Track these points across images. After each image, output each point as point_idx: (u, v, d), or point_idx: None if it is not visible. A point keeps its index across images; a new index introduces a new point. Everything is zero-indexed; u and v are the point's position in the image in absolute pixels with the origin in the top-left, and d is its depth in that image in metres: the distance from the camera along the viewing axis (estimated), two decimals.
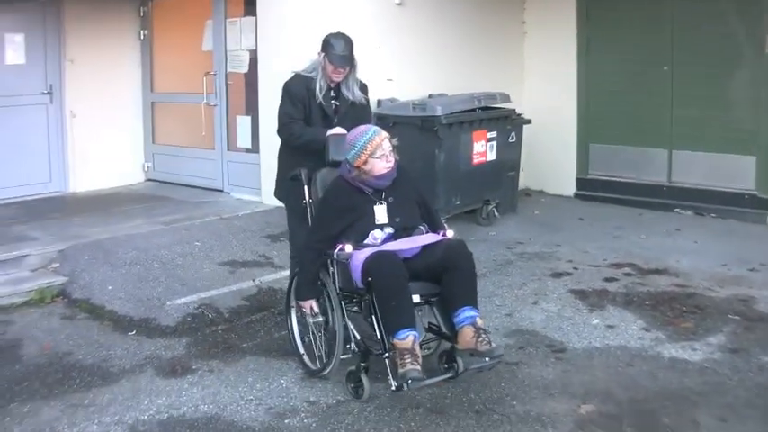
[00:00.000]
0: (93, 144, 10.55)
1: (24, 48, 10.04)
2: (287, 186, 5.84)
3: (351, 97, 5.94)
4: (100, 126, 10.61)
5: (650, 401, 4.97)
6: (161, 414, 4.97)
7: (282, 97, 5.91)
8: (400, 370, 4.55)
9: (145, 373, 5.62)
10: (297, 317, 5.57)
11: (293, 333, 5.60)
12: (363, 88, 6.09)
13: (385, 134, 5.23)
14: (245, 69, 9.91)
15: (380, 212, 5.15)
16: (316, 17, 8.60)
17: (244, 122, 9.97)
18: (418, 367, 4.54)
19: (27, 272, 7.44)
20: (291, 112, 5.86)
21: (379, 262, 4.78)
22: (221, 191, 10.30)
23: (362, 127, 5.30)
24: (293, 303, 5.54)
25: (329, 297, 5.19)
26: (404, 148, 8.35)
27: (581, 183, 10.93)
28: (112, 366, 5.74)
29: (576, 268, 7.70)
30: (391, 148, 5.19)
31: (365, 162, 5.11)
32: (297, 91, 5.86)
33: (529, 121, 9.94)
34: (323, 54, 5.81)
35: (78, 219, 8.99)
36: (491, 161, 9.24)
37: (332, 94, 5.94)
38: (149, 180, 11.19)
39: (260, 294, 7.05)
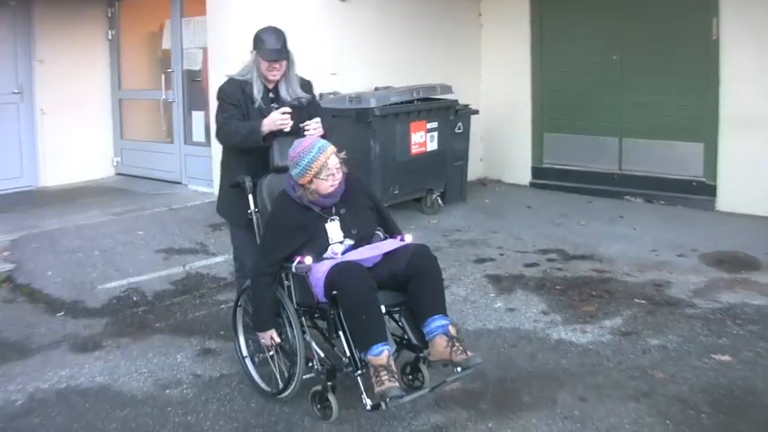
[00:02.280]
0: (63, 140, 11.04)
1: None
2: (228, 199, 5.51)
3: (290, 98, 5.39)
4: (70, 123, 11.09)
5: (518, 381, 5.20)
6: (60, 384, 5.47)
7: (218, 102, 5.43)
8: (378, 388, 4.31)
9: (59, 349, 6.12)
10: (246, 338, 5.32)
11: (242, 356, 5.29)
12: (307, 86, 5.58)
13: (331, 149, 4.80)
14: (199, 66, 10.36)
15: (334, 229, 4.83)
16: (259, 14, 8.95)
17: (198, 117, 10.43)
18: (397, 384, 4.32)
19: None
20: (227, 114, 5.34)
21: (344, 274, 4.49)
22: (180, 183, 10.77)
23: (306, 142, 4.84)
24: (240, 328, 5.32)
25: (286, 313, 4.83)
26: (342, 140, 8.84)
27: (536, 172, 11.29)
28: (33, 343, 6.25)
29: (502, 254, 8.06)
30: (338, 165, 4.80)
31: (310, 181, 4.73)
32: (231, 93, 5.37)
33: (476, 112, 10.32)
34: (255, 52, 5.32)
35: (38, 211, 9.48)
36: (432, 151, 9.60)
37: (270, 95, 5.41)
38: (119, 174, 11.65)
39: (187, 279, 7.51)
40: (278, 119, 5.15)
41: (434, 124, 9.55)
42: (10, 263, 7.85)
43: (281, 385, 4.97)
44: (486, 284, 7.18)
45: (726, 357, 5.47)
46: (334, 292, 4.51)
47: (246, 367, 5.28)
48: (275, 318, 4.89)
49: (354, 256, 4.72)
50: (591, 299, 6.71)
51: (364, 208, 5.03)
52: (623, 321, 6.19)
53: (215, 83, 9.37)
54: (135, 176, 11.36)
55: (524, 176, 11.32)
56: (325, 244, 4.80)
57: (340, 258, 4.71)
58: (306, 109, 5.43)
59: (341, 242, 4.83)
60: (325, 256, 4.78)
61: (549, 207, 10.02)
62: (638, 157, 10.35)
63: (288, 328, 4.83)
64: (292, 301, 4.84)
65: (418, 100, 9.45)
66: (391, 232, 5.06)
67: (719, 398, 4.90)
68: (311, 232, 4.80)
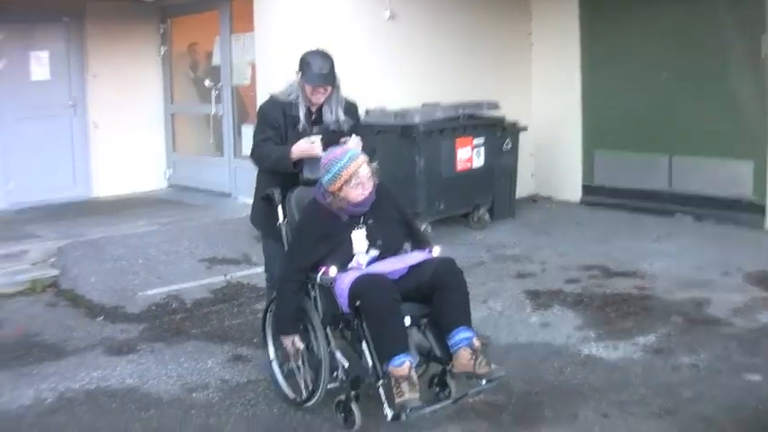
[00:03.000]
0: (115, 152, 11.30)
1: (49, 64, 10.92)
2: (260, 211, 5.50)
3: (332, 122, 5.28)
4: (122, 135, 11.36)
5: (543, 395, 5.11)
6: (91, 385, 5.57)
7: (257, 121, 5.40)
8: (398, 399, 4.30)
9: (94, 351, 6.23)
10: (275, 347, 5.25)
11: (271, 364, 5.25)
12: (352, 108, 5.46)
13: (362, 159, 4.78)
14: (248, 81, 10.50)
15: (359, 238, 4.80)
16: (305, 30, 9.09)
17: (247, 131, 10.51)
18: (417, 395, 4.31)
19: (27, 265, 8.18)
20: (264, 136, 5.28)
21: (368, 285, 4.50)
22: (229, 195, 10.93)
23: (339, 150, 4.82)
24: (270, 334, 5.26)
25: (312, 323, 4.82)
26: (387, 155, 8.89)
27: (587, 189, 11.16)
28: (69, 345, 6.38)
29: (543, 270, 7.95)
30: (369, 174, 4.77)
31: (340, 189, 4.70)
32: (272, 115, 5.28)
33: (524, 129, 10.26)
34: (300, 74, 5.20)
35: (87, 220, 9.70)
36: (479, 167, 9.57)
37: (313, 117, 5.30)
38: (171, 186, 11.89)
39: (227, 288, 7.58)
40: (306, 148, 5.04)
41: (481, 140, 9.52)
42: (55, 269, 8.05)
43: (305, 395, 4.96)
44: (524, 300, 7.08)
45: (756, 377, 5.30)
46: (358, 302, 4.51)
47: (273, 372, 5.25)
48: (298, 324, 4.88)
49: (379, 267, 4.72)
50: (627, 315, 6.56)
51: (392, 220, 4.99)
52: (657, 339, 6.02)
53: (263, 98, 9.54)
54: (186, 188, 11.56)
55: (575, 194, 11.20)
56: (350, 253, 4.78)
57: (365, 270, 4.71)
58: (346, 133, 5.25)
59: (365, 252, 4.80)
60: (350, 266, 4.76)
61: (598, 224, 9.88)
62: (688, 175, 10.17)
63: (313, 339, 4.84)
64: (318, 312, 4.83)
65: (464, 116, 9.41)
66: (420, 246, 5.01)
67: (745, 418, 4.76)
68: (337, 240, 4.78)
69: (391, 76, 9.82)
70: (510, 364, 5.56)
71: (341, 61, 8.69)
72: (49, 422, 5.03)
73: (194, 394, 5.38)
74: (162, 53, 11.78)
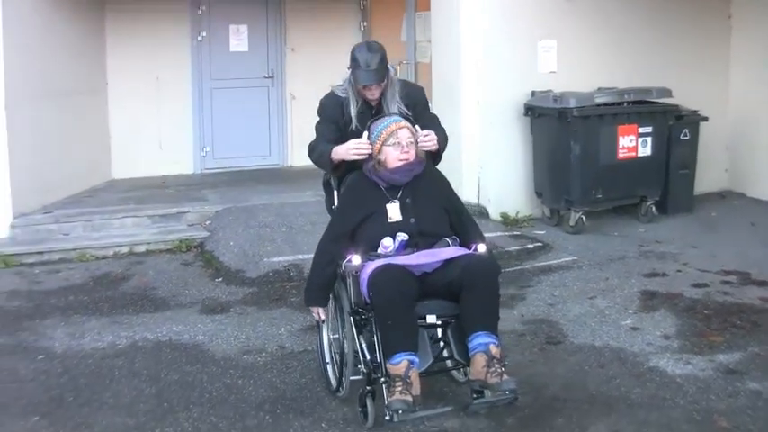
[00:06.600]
0: (311, 123, 11.69)
1: (247, 37, 11.60)
2: (326, 196, 5.39)
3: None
4: None
5: (569, 402, 4.81)
6: (165, 337, 6.04)
7: (318, 114, 5.24)
8: (388, 398, 4.16)
9: (191, 308, 6.70)
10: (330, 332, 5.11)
11: (321, 345, 5.15)
12: (414, 95, 5.18)
13: (405, 124, 4.72)
14: (427, 60, 10.60)
15: (393, 211, 4.69)
16: (480, 11, 9.15)
17: None
18: (408, 398, 4.11)
19: (184, 226, 8.87)
20: (320, 131, 5.16)
21: (382, 275, 4.34)
22: None
23: (385, 116, 4.85)
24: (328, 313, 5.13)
25: (341, 312, 4.78)
26: (546, 140, 8.75)
27: None
28: (173, 301, 6.90)
29: (679, 271, 7.46)
30: (411, 140, 4.69)
31: (379, 150, 4.68)
32: (329, 110, 5.12)
33: (705, 119, 9.67)
34: (350, 70, 4.99)
35: (262, 187, 10.26)
36: (644, 157, 9.14)
37: (373, 112, 5.02)
38: None
39: None
40: (352, 148, 4.80)
41: (648, 129, 9.10)
42: (207, 231, 8.64)
43: (334, 385, 4.97)
44: (634, 300, 6.71)
45: None
46: (371, 293, 4.39)
47: (322, 358, 5.18)
48: (325, 296, 4.89)
49: (406, 259, 4.54)
50: (728, 329, 6.00)
51: (435, 205, 4.82)
52: (740, 358, 5.43)
53: (438, 75, 9.70)
54: None
55: None
56: (381, 227, 4.66)
57: (388, 260, 4.52)
58: (410, 119, 4.95)
59: (393, 237, 4.64)
60: (379, 251, 4.64)
61: None
62: None
63: (340, 328, 4.80)
64: (350, 301, 4.71)
65: (631, 103, 9.06)
66: (468, 240, 4.77)
67: None
68: (370, 209, 4.71)
69: (568, 59, 9.55)
70: (565, 366, 5.40)
71: (512, 41, 8.58)
72: (105, 364, 5.53)
73: (245, 356, 5.67)
74: (362, 28, 12.15)
